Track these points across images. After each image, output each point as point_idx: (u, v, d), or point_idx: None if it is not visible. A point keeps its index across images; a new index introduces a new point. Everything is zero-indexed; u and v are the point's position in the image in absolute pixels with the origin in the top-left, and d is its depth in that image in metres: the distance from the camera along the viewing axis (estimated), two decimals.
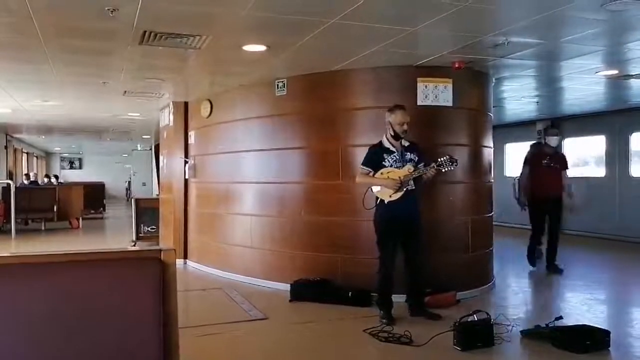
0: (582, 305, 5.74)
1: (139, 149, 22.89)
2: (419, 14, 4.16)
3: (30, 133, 16.88)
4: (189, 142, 8.38)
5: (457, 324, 4.18)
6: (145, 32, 4.58)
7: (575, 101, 9.15)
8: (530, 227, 8.66)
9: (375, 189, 4.93)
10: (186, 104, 8.45)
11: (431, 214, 5.44)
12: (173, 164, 8.64)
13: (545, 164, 7.17)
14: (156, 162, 15.25)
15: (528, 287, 7.04)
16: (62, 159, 28.42)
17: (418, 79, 5.75)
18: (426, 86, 5.76)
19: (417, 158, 4.95)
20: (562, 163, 7.31)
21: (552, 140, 7.27)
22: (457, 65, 5.66)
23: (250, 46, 5.08)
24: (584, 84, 7.35)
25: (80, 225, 13.57)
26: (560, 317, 4.50)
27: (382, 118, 5.50)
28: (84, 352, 1.63)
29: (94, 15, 4.14)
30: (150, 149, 20.58)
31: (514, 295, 6.31)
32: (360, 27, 4.40)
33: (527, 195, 7.52)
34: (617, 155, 10.54)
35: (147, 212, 9.62)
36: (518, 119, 11.78)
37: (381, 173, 4.90)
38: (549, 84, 7.58)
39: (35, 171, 21.13)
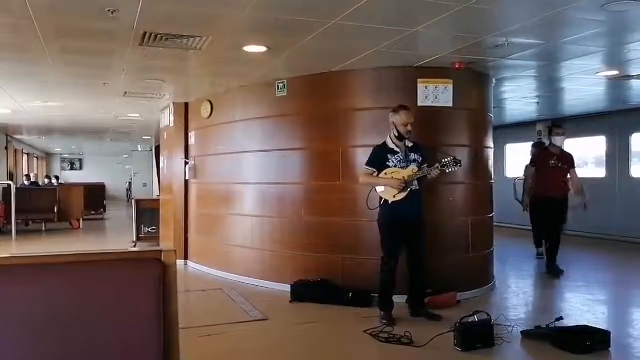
0: (582, 305, 5.74)
1: (139, 149, 22.90)
2: (419, 15, 4.16)
3: (30, 134, 16.89)
4: (189, 142, 8.38)
5: (457, 324, 4.18)
6: (145, 32, 4.59)
7: (575, 102, 9.15)
8: (530, 228, 8.67)
9: (379, 189, 4.93)
10: (186, 104, 8.45)
11: (431, 215, 5.43)
12: (173, 164, 8.64)
13: (553, 164, 7.04)
14: (156, 162, 15.24)
15: (528, 287, 7.04)
16: (63, 160, 28.43)
17: (418, 79, 5.76)
18: (426, 87, 5.76)
19: (420, 158, 4.95)
20: (569, 162, 7.14)
21: (558, 140, 7.09)
22: (457, 66, 5.66)
23: (251, 47, 5.08)
24: (584, 85, 7.36)
25: (81, 226, 13.58)
26: (561, 318, 4.50)
27: (382, 119, 5.51)
28: (84, 353, 1.62)
29: (94, 16, 4.14)
30: (151, 150, 20.57)
31: (514, 296, 6.31)
32: (360, 27, 4.40)
33: (530, 197, 7.49)
34: (617, 156, 10.55)
35: (148, 213, 9.63)
36: (518, 119, 11.78)
37: (385, 173, 4.90)
38: (549, 85, 7.58)
39: (35, 172, 21.14)
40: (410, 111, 4.98)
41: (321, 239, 6.06)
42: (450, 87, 5.80)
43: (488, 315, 4.30)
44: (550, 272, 7.03)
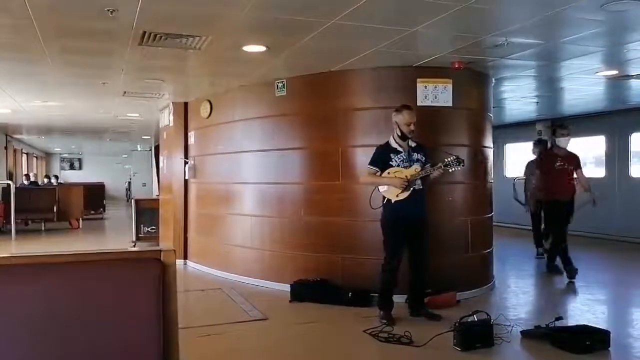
0: (582, 305, 5.74)
1: (139, 149, 22.90)
2: (419, 15, 4.16)
3: (30, 134, 16.89)
4: (189, 142, 8.38)
5: (457, 324, 4.18)
6: (145, 32, 4.59)
7: (575, 101, 9.15)
8: (530, 227, 8.65)
9: (382, 188, 4.93)
10: (186, 104, 8.45)
11: (431, 215, 5.43)
12: (173, 164, 8.64)
13: (559, 167, 6.84)
14: (156, 162, 15.24)
15: (528, 287, 7.04)
16: (62, 160, 28.43)
17: (418, 79, 5.76)
18: (426, 87, 5.76)
19: (424, 158, 4.95)
20: (576, 163, 6.94)
21: (562, 141, 6.85)
22: (456, 66, 5.66)
23: (250, 47, 5.08)
24: (584, 85, 7.36)
25: (80, 226, 13.58)
26: (560, 318, 4.50)
27: (382, 119, 5.52)
28: (84, 353, 1.62)
29: (93, 16, 4.14)
30: (150, 150, 20.58)
31: (514, 296, 6.31)
32: (359, 27, 4.40)
33: (533, 200, 7.37)
34: (617, 156, 10.55)
35: (147, 213, 9.63)
36: (518, 119, 11.78)
37: (388, 173, 4.90)
38: (549, 85, 7.58)
39: (35, 172, 21.13)
40: (414, 111, 4.98)
41: (321, 239, 6.06)
42: (449, 87, 5.80)
43: (488, 315, 4.31)
44: (569, 273, 6.72)
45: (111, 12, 3.98)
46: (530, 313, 5.53)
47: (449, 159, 4.78)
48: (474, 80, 6.14)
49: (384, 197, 4.94)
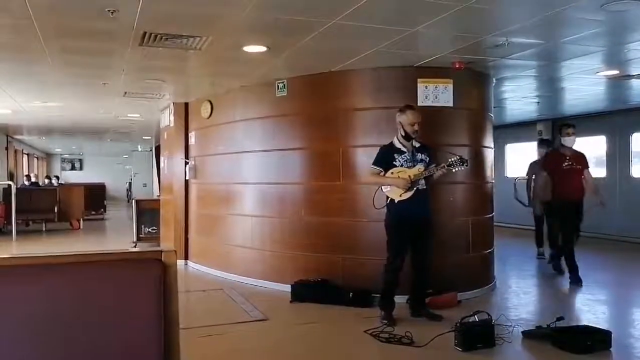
0: (583, 305, 5.74)
1: (140, 150, 22.90)
2: (419, 15, 4.16)
3: (30, 134, 16.90)
4: (190, 143, 8.38)
5: (458, 324, 4.18)
6: (145, 33, 4.59)
7: (575, 101, 9.15)
8: (530, 228, 8.62)
9: (385, 188, 4.93)
10: (186, 104, 8.45)
11: (432, 215, 5.43)
12: (173, 164, 8.64)
13: (567, 166, 6.63)
14: (157, 163, 15.24)
15: (529, 287, 7.03)
16: (63, 160, 28.45)
17: (418, 79, 5.75)
18: (426, 87, 5.76)
19: (428, 159, 4.95)
20: (584, 162, 6.77)
21: (568, 141, 6.68)
22: (457, 66, 5.66)
23: (251, 47, 5.08)
24: (585, 85, 7.35)
25: (81, 227, 13.58)
26: (562, 318, 4.49)
27: (383, 119, 5.53)
28: (85, 353, 1.62)
29: (94, 16, 4.14)
30: (151, 150, 20.58)
31: (515, 296, 6.31)
32: (360, 27, 4.40)
33: (538, 201, 7.23)
34: (618, 156, 10.54)
35: (148, 213, 9.62)
36: (518, 119, 11.78)
37: (391, 172, 4.89)
38: (550, 85, 7.58)
39: (36, 172, 21.15)
40: (417, 111, 4.99)
41: (321, 239, 6.05)
42: (450, 87, 5.80)
43: (489, 315, 4.30)
44: (575, 282, 6.55)
45: (112, 12, 3.98)
46: (532, 313, 5.52)
47: (452, 159, 4.78)
48: (475, 80, 6.14)
49: (388, 197, 4.94)
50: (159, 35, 4.67)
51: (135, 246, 9.20)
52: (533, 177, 8.11)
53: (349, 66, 5.78)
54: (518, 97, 8.50)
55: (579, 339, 4.15)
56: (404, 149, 4.92)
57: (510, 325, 4.57)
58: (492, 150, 6.49)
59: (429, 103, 5.74)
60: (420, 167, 4.86)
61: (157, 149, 15.07)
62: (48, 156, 27.62)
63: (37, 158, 24.77)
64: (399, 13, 4.14)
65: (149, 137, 16.99)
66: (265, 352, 4.39)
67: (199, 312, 5.59)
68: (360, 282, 5.59)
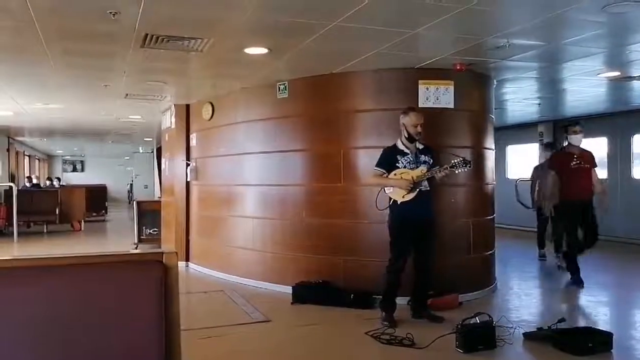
0: (584, 307, 5.73)
1: (141, 151, 22.91)
2: (420, 17, 4.16)
3: (32, 136, 16.92)
4: (191, 144, 8.38)
5: (459, 326, 4.17)
6: (147, 35, 4.59)
7: (577, 103, 9.15)
8: (529, 228, 8.58)
9: (388, 189, 4.93)
10: (188, 106, 8.45)
11: (435, 216, 5.43)
12: (175, 166, 8.65)
13: (575, 165, 6.46)
14: (158, 164, 15.25)
15: (530, 289, 7.02)
16: (64, 162, 28.47)
17: (419, 81, 5.75)
18: (427, 88, 5.76)
19: (431, 160, 4.95)
20: (592, 161, 6.60)
21: (575, 139, 6.54)
22: (458, 68, 5.66)
23: (252, 49, 5.09)
24: (586, 86, 7.35)
25: (83, 228, 13.59)
26: (563, 319, 4.49)
27: (384, 120, 5.53)
28: (86, 355, 1.63)
29: (95, 19, 4.15)
30: (152, 152, 20.59)
31: (516, 298, 6.30)
32: (361, 29, 4.41)
33: (548, 203, 7.04)
34: (619, 157, 10.53)
35: (149, 215, 9.64)
36: (520, 121, 11.77)
37: (394, 174, 4.90)
38: (551, 86, 7.57)
39: (37, 174, 21.16)
40: (420, 112, 4.99)
41: (323, 241, 6.05)
42: (451, 88, 5.80)
43: (490, 317, 4.29)
44: (577, 283, 6.51)
45: (113, 14, 3.99)
46: (533, 315, 5.52)
47: (455, 160, 4.77)
48: (476, 82, 6.14)
49: (390, 199, 4.94)
50: (160, 37, 4.67)
51: (136, 248, 9.21)
52: (538, 181, 8.04)
53: (350, 68, 5.79)
54: (519, 98, 8.49)
55: (580, 340, 4.14)
56: (407, 151, 4.92)
57: (512, 327, 4.57)
58: (493, 152, 6.49)
59: (430, 105, 5.74)
60: (422, 169, 4.86)
61: (159, 150, 15.08)
62: (49, 158, 27.64)
63: (39, 160, 24.79)
64: (400, 15, 4.14)
65: (150, 139, 16.99)
66: (266, 353, 4.39)
67: (200, 314, 5.59)
68: (362, 283, 5.58)
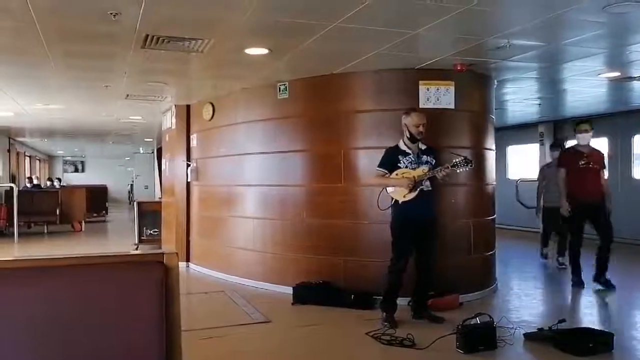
0: (585, 307, 5.73)
1: (142, 152, 22.92)
2: (420, 17, 4.16)
3: (32, 136, 16.93)
4: (191, 145, 8.39)
5: (460, 326, 4.17)
6: (147, 36, 4.60)
7: (577, 103, 9.15)
8: (530, 229, 8.55)
9: (390, 189, 4.93)
10: (188, 107, 8.46)
11: (437, 216, 5.42)
12: (175, 167, 8.65)
13: (583, 165, 6.32)
14: (158, 165, 15.26)
15: (531, 289, 7.01)
16: (65, 162, 28.49)
17: (420, 81, 5.75)
18: (428, 89, 5.76)
19: (434, 161, 4.95)
20: (601, 162, 6.48)
21: (583, 138, 6.43)
22: (459, 68, 5.66)
23: (253, 49, 5.09)
24: (586, 86, 7.35)
25: (83, 229, 13.60)
26: (563, 320, 4.48)
27: (384, 121, 5.54)
28: (87, 356, 1.63)
29: (96, 20, 4.16)
30: (153, 152, 20.60)
31: (516, 298, 6.30)
32: (361, 30, 4.41)
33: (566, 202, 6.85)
34: (620, 158, 10.52)
35: (150, 215, 9.64)
36: (520, 121, 11.77)
37: (396, 174, 4.90)
38: (551, 86, 7.58)
39: (38, 174, 21.17)
40: (422, 113, 5.00)
41: (323, 242, 6.05)
42: (452, 89, 5.80)
43: (490, 317, 4.29)
44: (578, 284, 6.42)
45: (114, 15, 4.00)
46: (533, 315, 5.51)
47: (457, 160, 4.77)
48: (476, 82, 6.14)
49: (392, 198, 4.94)
50: (161, 38, 4.68)
51: (137, 248, 9.21)
52: (544, 182, 7.97)
53: (351, 68, 5.79)
54: (519, 99, 8.49)
55: (581, 341, 4.14)
56: (409, 151, 4.93)
57: (512, 328, 4.57)
58: (494, 152, 6.48)
59: (430, 105, 5.74)
60: (424, 168, 4.86)
61: (159, 151, 15.09)
62: (50, 158, 27.66)
63: (39, 160, 24.81)
64: (400, 15, 4.14)
65: (151, 139, 17.00)
66: (267, 354, 4.39)
67: (201, 315, 5.59)
68: (362, 284, 5.58)
